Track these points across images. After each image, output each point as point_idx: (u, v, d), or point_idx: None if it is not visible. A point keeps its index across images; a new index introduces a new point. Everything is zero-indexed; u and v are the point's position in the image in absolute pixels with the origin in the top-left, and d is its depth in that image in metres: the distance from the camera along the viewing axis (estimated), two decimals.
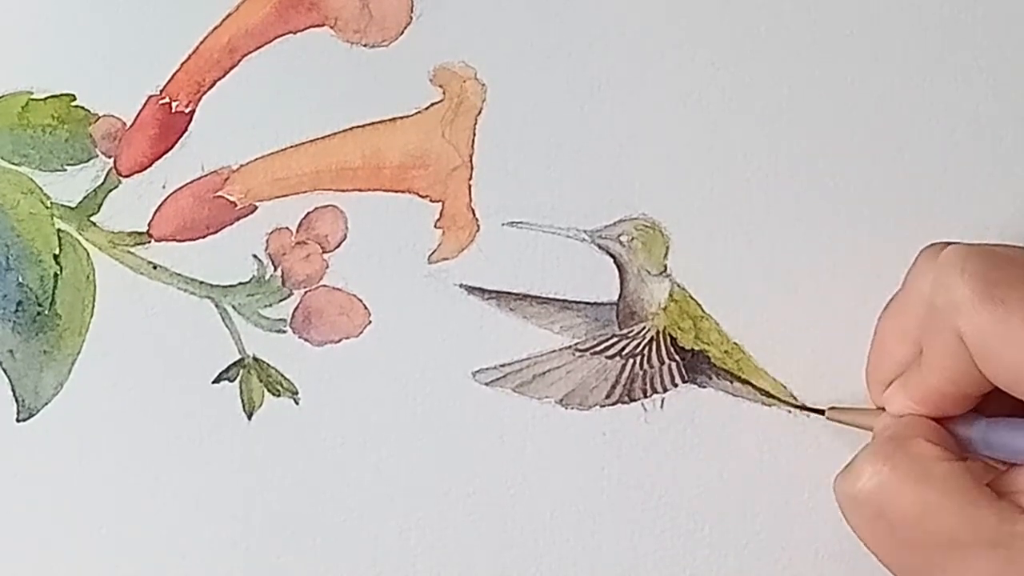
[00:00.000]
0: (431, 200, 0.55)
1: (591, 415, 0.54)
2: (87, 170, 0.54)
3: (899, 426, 0.48)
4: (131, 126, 0.55)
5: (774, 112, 0.55)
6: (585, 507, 0.54)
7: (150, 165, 0.55)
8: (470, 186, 0.55)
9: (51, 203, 0.54)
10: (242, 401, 0.54)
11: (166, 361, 0.54)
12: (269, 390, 0.54)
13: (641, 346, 0.54)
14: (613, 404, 0.54)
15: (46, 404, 0.54)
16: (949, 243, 0.49)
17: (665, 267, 0.54)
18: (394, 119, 0.55)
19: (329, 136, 0.55)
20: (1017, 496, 0.46)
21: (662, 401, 0.54)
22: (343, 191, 0.55)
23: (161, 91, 0.55)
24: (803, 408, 0.54)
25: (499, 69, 0.55)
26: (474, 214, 0.54)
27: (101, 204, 0.54)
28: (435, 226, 0.54)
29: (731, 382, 0.54)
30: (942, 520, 0.45)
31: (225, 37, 0.55)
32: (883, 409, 0.51)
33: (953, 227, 0.54)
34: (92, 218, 0.54)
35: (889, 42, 0.55)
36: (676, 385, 0.54)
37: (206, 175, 0.55)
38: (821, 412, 0.53)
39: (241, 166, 0.55)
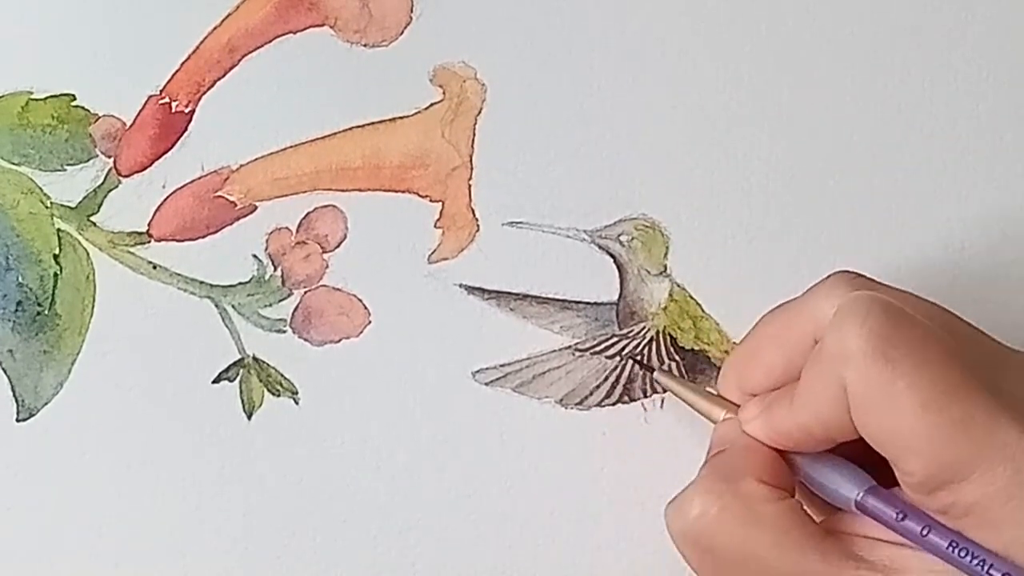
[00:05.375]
0: (431, 200, 0.54)
1: (591, 415, 0.54)
2: (87, 170, 0.54)
3: (735, 457, 0.48)
4: (131, 126, 0.55)
5: (774, 112, 0.55)
6: (585, 507, 0.54)
7: (150, 165, 0.55)
8: (470, 186, 0.55)
9: (51, 203, 0.54)
10: (242, 401, 0.54)
11: (166, 361, 0.54)
12: (269, 390, 0.54)
13: (641, 346, 0.54)
14: (613, 404, 0.54)
15: (46, 404, 0.54)
16: (861, 275, 0.48)
17: (665, 267, 0.54)
18: (394, 119, 0.55)
19: (329, 136, 0.55)
20: (846, 539, 0.46)
21: (662, 401, 0.54)
22: (343, 191, 0.55)
23: (161, 91, 0.55)
24: None
25: (499, 69, 0.55)
26: (474, 214, 0.54)
27: (101, 204, 0.54)
28: (435, 226, 0.54)
29: None
30: (768, 563, 0.45)
31: (225, 37, 0.55)
32: (723, 398, 0.50)
33: (954, 227, 0.55)
34: (92, 218, 0.54)
35: (889, 42, 0.55)
36: None
37: (206, 175, 0.55)
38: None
39: (241, 166, 0.55)
